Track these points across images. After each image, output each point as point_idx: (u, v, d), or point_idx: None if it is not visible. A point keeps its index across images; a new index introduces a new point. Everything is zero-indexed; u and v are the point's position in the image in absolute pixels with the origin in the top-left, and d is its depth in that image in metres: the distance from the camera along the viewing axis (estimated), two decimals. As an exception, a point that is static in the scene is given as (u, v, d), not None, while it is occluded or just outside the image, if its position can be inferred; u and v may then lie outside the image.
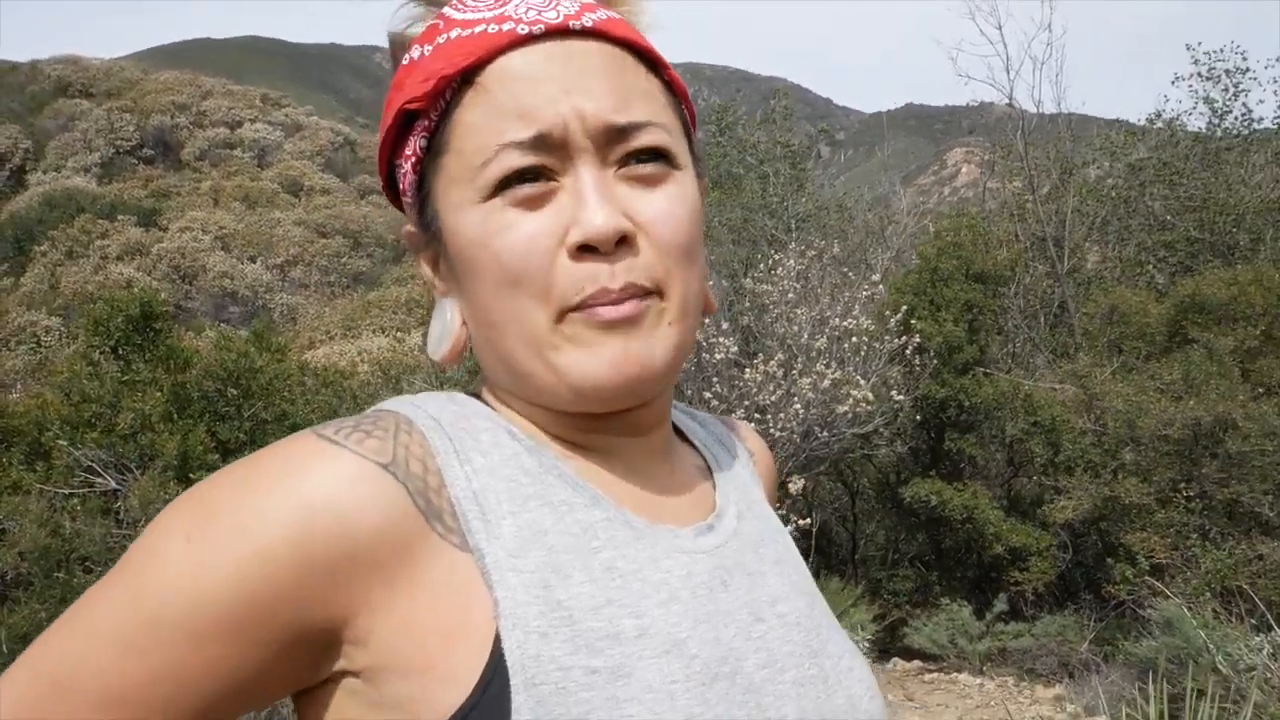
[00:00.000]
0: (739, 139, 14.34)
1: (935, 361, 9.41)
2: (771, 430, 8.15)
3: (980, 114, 15.97)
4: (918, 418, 9.73)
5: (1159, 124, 13.79)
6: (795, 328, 8.84)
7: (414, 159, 0.73)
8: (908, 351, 8.99)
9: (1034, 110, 13.31)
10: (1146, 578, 7.27)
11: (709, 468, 0.83)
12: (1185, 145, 13.29)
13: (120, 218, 41.23)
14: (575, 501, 0.69)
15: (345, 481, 0.62)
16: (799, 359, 8.59)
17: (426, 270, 0.78)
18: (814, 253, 9.72)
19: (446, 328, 0.76)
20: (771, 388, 8.28)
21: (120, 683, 0.61)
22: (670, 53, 0.76)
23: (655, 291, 0.69)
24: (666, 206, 0.70)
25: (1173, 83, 13.86)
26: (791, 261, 9.43)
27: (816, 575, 8.52)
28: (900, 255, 13.00)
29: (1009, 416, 9.62)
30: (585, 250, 0.67)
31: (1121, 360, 9.60)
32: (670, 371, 0.71)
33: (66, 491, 7.99)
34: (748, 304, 9.59)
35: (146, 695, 0.61)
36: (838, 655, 0.76)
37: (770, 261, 9.65)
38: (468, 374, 6.56)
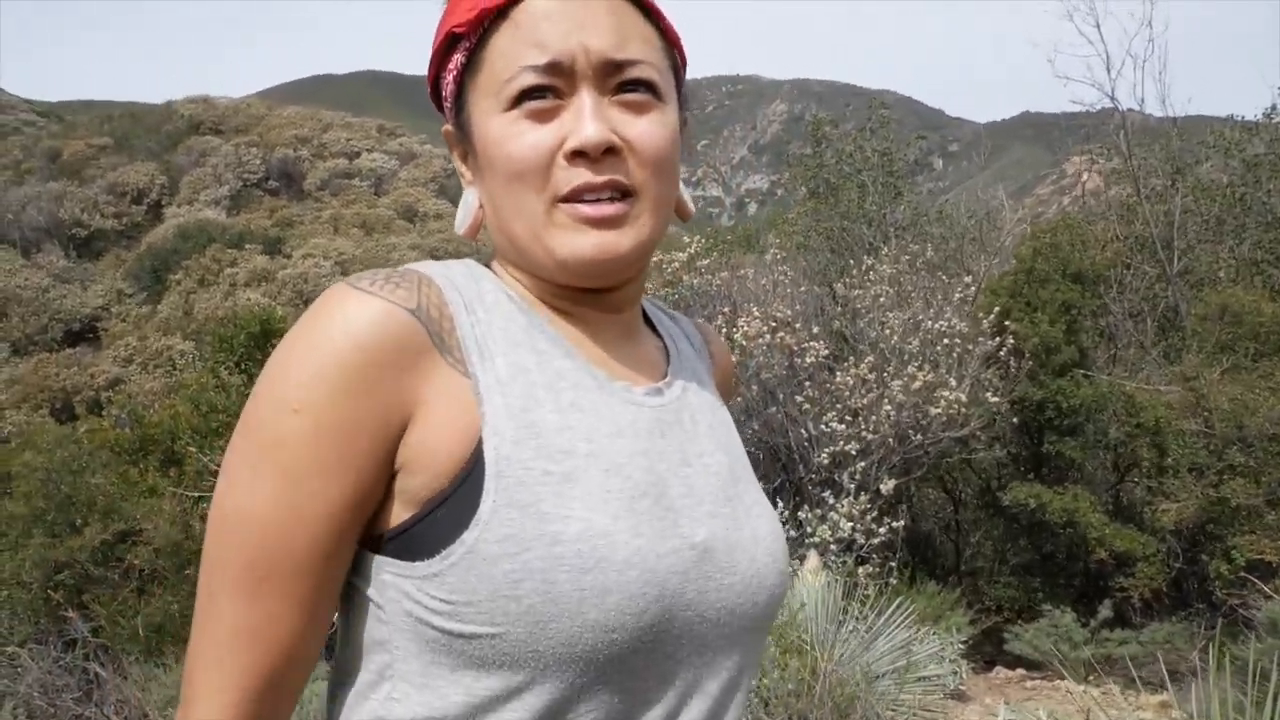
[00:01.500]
0: (836, 149, 14.33)
1: (1031, 363, 9.24)
2: (864, 432, 8.14)
3: (1100, 119, 15.58)
4: (1015, 420, 9.56)
5: (1276, 119, 13.29)
6: (887, 331, 8.82)
7: (455, 72, 0.89)
8: (1002, 353, 8.87)
9: (1137, 108, 12.96)
10: (1250, 577, 7.03)
11: (668, 352, 0.99)
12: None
13: (248, 246, 43.25)
14: (553, 352, 0.86)
15: (383, 320, 0.79)
16: (891, 362, 8.57)
17: (459, 162, 0.94)
18: (907, 257, 9.67)
19: (469, 209, 0.92)
20: (863, 390, 8.29)
21: (309, 552, 0.78)
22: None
23: (632, 192, 0.84)
24: (648, 128, 0.85)
25: (1289, 75, 13.32)
26: (885, 266, 9.40)
27: (913, 581, 8.49)
28: (1002, 260, 12.78)
29: (1111, 419, 9.38)
30: (578, 156, 0.83)
31: (1232, 361, 9.28)
32: (637, 259, 0.87)
33: (196, 495, 8.58)
34: (840, 309, 9.60)
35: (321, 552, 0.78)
36: (750, 504, 0.92)
37: (864, 267, 9.64)
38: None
